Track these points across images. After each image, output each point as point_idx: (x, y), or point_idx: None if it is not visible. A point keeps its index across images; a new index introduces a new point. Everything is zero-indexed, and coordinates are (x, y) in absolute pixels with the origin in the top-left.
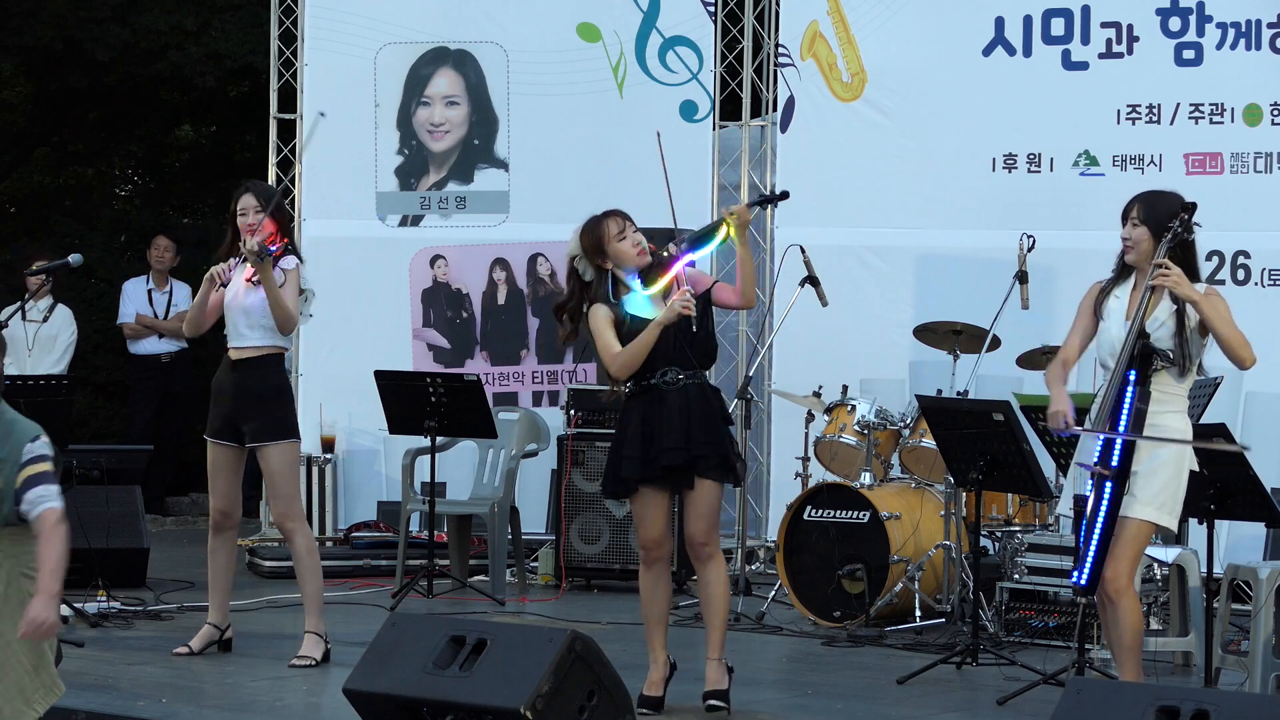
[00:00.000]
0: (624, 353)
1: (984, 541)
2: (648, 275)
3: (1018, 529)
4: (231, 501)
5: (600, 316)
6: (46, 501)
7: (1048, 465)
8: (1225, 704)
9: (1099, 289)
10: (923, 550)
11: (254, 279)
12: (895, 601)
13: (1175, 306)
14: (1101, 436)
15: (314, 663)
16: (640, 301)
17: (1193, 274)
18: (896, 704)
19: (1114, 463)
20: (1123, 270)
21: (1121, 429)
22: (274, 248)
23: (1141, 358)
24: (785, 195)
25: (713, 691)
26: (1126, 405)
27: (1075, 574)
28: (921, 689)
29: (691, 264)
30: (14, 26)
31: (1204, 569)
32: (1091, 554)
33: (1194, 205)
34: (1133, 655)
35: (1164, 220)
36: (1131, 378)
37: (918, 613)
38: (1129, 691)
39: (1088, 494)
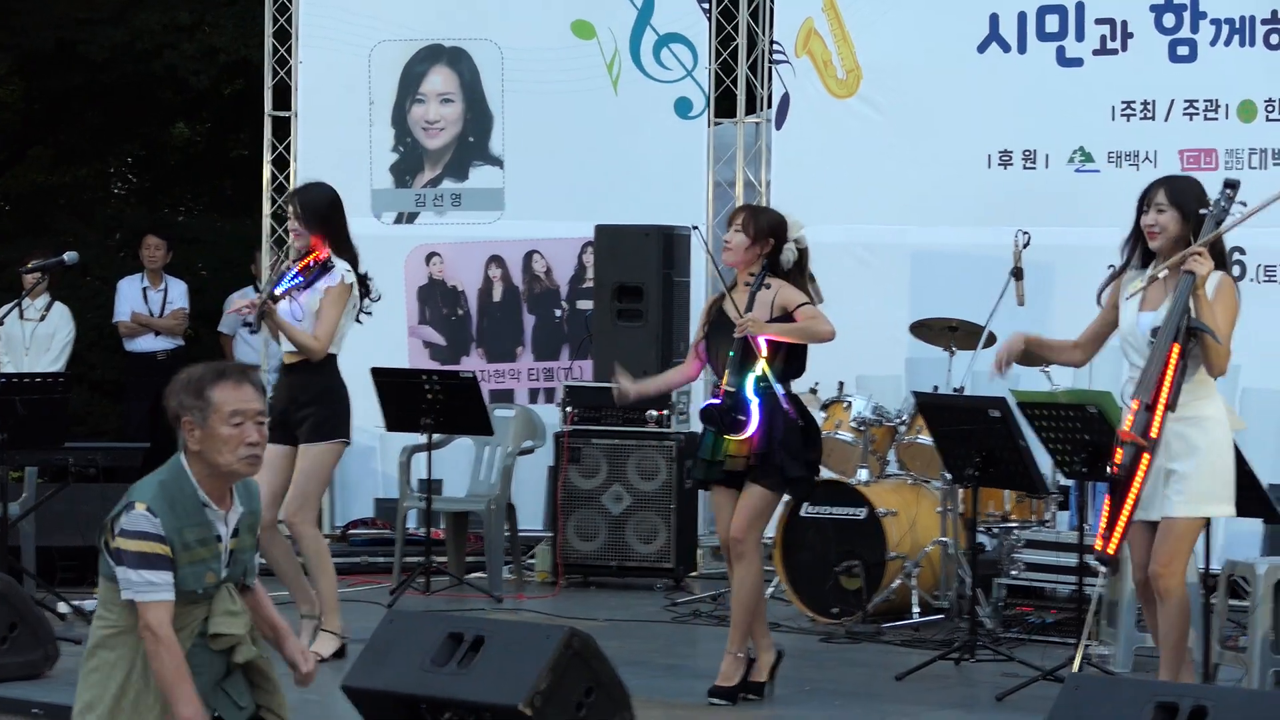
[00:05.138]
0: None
1: (981, 538)
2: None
3: (1014, 525)
4: (268, 503)
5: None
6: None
7: (1044, 461)
8: (1223, 700)
9: (1117, 278)
10: (920, 547)
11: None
12: (892, 598)
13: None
14: (1137, 403)
15: (320, 659)
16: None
17: (1220, 257)
18: (894, 700)
19: (1152, 435)
20: (1133, 258)
21: (1163, 401)
22: (286, 283)
23: (1186, 333)
24: None
25: (718, 688)
26: (1171, 378)
27: (1103, 544)
28: (919, 685)
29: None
30: (10, 26)
31: (1201, 565)
32: (1122, 525)
33: (1238, 182)
34: (1181, 647)
35: (1193, 205)
36: (1175, 350)
37: (915, 609)
38: (1127, 688)
39: (1119, 461)
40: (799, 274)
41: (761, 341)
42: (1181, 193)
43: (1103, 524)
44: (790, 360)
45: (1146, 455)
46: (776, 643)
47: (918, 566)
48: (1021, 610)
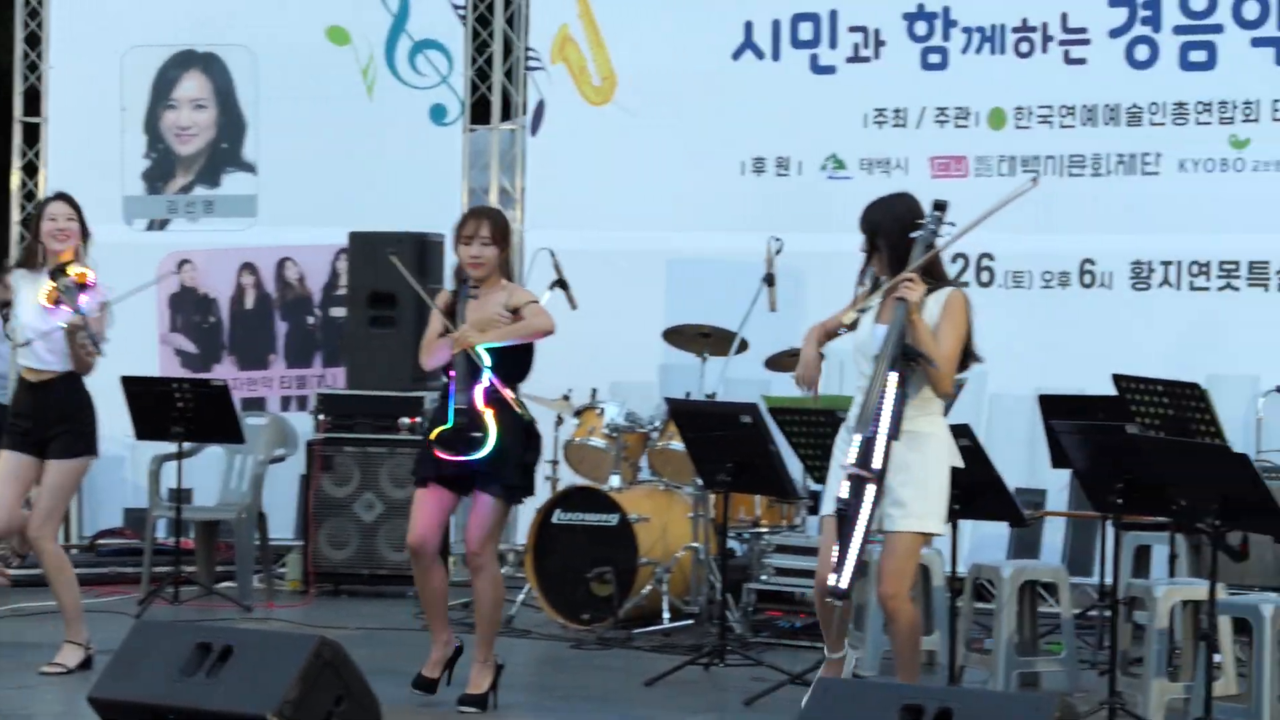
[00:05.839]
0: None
1: (731, 543)
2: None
3: (765, 530)
4: (10, 510)
5: (438, 299)
6: None
7: (795, 467)
8: (968, 702)
9: (862, 294)
10: (671, 552)
11: (55, 301)
12: (643, 603)
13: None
14: (859, 437)
15: (66, 670)
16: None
17: (939, 276)
18: (644, 705)
19: (875, 465)
20: (875, 282)
21: (884, 431)
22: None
23: (903, 360)
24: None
25: (466, 696)
26: (890, 408)
27: (835, 578)
28: (669, 690)
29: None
30: None
31: (948, 569)
32: (852, 558)
33: (946, 203)
34: (915, 660)
35: (882, 225)
36: (893, 379)
37: (666, 614)
38: (874, 691)
39: (845, 495)
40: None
41: (481, 350)
42: (868, 217)
43: (832, 558)
44: (515, 364)
45: (871, 488)
46: (458, 638)
47: (669, 572)
48: (771, 615)
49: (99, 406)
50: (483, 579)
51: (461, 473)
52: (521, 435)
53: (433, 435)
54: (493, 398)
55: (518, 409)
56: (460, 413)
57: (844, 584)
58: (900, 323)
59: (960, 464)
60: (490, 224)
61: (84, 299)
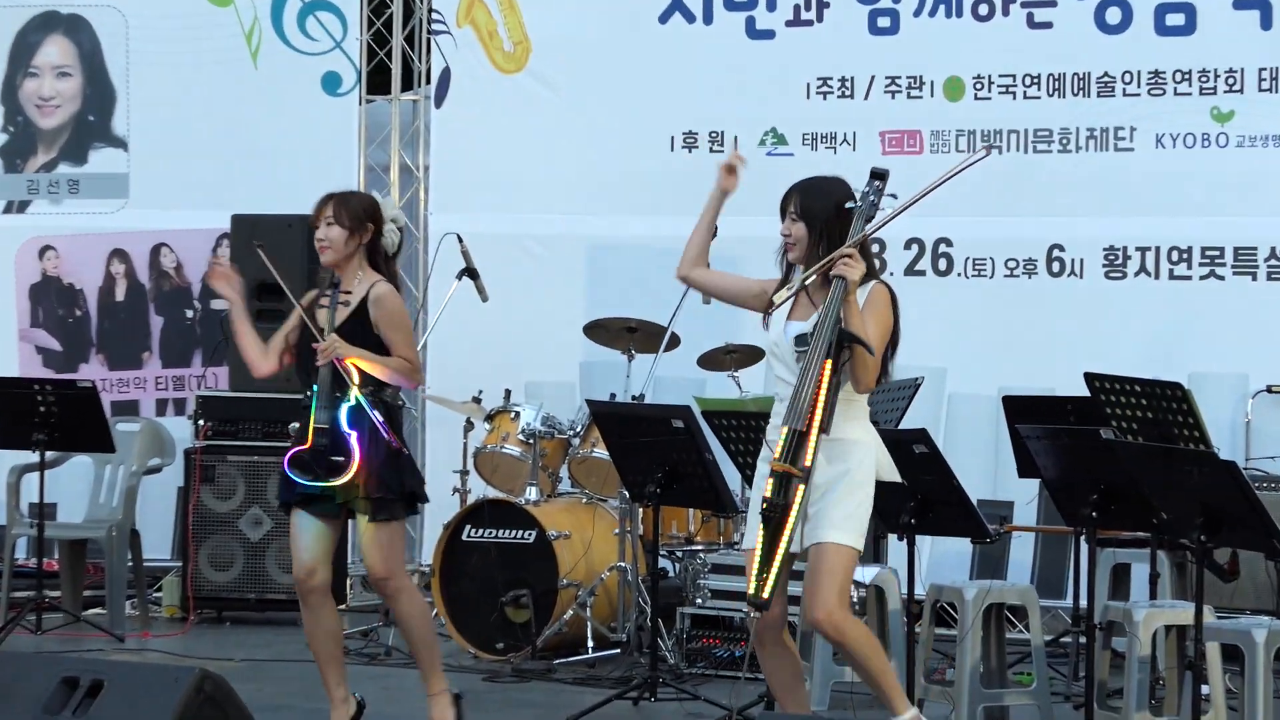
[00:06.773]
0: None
1: (663, 562)
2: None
3: (700, 548)
4: None
5: (304, 298)
6: None
7: (732, 477)
8: None
9: (774, 288)
10: (595, 573)
11: None
12: (565, 630)
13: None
14: (787, 429)
15: None
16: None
17: (868, 266)
18: None
19: (805, 463)
20: (787, 271)
21: (817, 426)
22: None
23: (837, 346)
24: None
25: None
26: (824, 400)
27: (755, 585)
28: None
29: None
30: None
31: (904, 590)
32: (777, 564)
33: (886, 172)
34: (885, 677)
35: (820, 214)
36: (829, 367)
37: (590, 643)
38: None
39: (770, 495)
40: (393, 260)
41: (351, 365)
42: (810, 199)
43: (754, 564)
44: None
45: (800, 487)
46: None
47: (593, 595)
48: (707, 643)
49: None
50: (402, 602)
51: (327, 493)
52: (392, 459)
53: (290, 457)
54: (355, 416)
55: (384, 434)
56: (321, 432)
57: (766, 593)
58: (837, 303)
59: (896, 478)
60: (335, 203)
61: None
